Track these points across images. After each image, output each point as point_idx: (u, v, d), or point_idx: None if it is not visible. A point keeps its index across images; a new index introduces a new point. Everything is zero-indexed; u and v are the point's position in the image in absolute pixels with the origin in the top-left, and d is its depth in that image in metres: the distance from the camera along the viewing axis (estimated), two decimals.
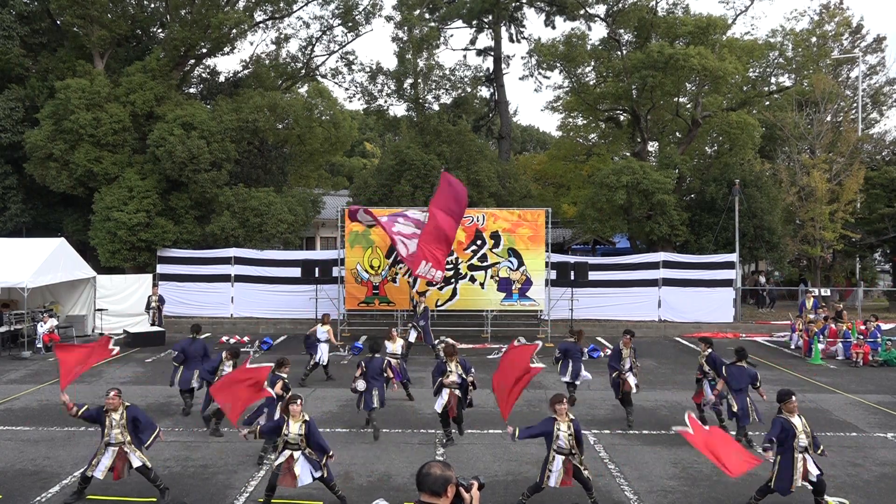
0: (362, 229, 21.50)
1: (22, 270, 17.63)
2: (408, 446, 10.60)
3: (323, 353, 14.82)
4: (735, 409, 10.62)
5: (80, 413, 8.38)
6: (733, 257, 23.50)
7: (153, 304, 19.96)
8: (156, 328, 20.10)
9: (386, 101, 29.97)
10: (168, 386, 12.70)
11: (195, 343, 12.51)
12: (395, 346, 13.53)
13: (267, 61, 30.11)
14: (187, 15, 25.74)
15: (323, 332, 14.90)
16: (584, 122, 33.70)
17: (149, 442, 8.47)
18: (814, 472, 8.06)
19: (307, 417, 8.05)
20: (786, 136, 28.38)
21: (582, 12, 29.96)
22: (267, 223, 23.91)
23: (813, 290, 24.17)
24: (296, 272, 21.85)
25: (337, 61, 35.27)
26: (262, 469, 9.48)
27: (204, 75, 31.25)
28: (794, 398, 8.23)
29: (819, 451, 8.22)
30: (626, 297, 23.27)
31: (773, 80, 30.80)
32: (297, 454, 7.90)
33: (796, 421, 8.13)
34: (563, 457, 8.00)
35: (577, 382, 12.92)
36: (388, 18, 30.65)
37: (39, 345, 18.33)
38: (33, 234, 24.95)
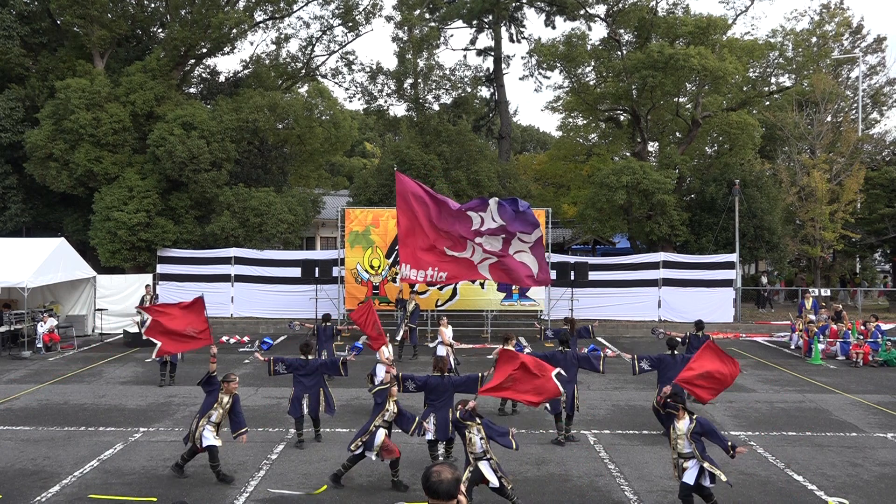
0: (362, 229, 21.53)
1: (22, 270, 17.63)
2: (408, 446, 10.57)
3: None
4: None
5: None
6: (733, 257, 23.50)
7: (146, 305, 19.78)
8: None
9: (386, 101, 29.98)
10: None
11: None
12: (388, 349, 12.65)
13: (267, 61, 30.08)
14: (187, 15, 25.73)
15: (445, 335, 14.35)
16: (584, 122, 33.67)
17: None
18: (689, 478, 7.83)
19: None
20: (786, 136, 28.37)
21: (582, 12, 29.96)
22: (267, 223, 23.90)
23: (812, 291, 24.18)
24: (296, 272, 21.84)
25: (337, 61, 35.28)
26: (262, 469, 9.49)
27: (204, 75, 31.26)
28: (679, 407, 8.11)
29: (731, 454, 7.85)
30: (626, 297, 23.26)
31: (773, 80, 30.79)
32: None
33: (680, 424, 8.02)
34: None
35: None
36: (388, 18, 30.67)
37: (39, 345, 18.32)
38: (33, 234, 24.96)
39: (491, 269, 17.08)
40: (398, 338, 17.49)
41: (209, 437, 8.88)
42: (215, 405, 9.05)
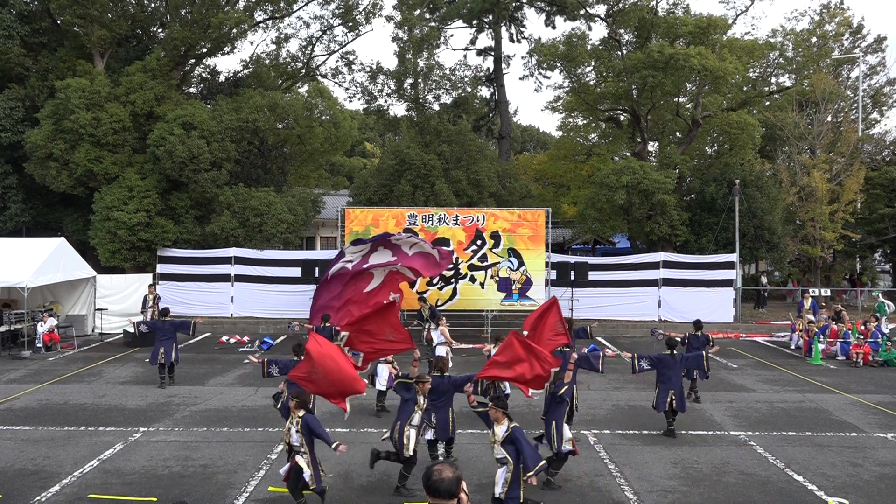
0: (362, 229, 21.50)
1: (22, 270, 17.61)
2: None
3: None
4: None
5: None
6: (733, 257, 23.50)
7: (150, 305, 19.81)
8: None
9: (386, 101, 29.96)
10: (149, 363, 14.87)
11: (165, 323, 14.69)
12: None
13: (267, 61, 30.09)
14: (187, 15, 25.73)
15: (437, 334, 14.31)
16: (584, 122, 33.68)
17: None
18: (497, 489, 7.51)
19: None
20: (786, 136, 28.38)
21: (582, 12, 29.96)
22: (267, 223, 23.90)
23: (812, 291, 24.19)
24: (296, 272, 21.84)
25: (337, 61, 35.29)
26: (262, 469, 9.49)
27: (204, 75, 31.27)
28: (497, 406, 7.60)
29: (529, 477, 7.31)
30: (626, 297, 23.25)
31: (773, 80, 30.81)
32: None
33: (497, 429, 7.55)
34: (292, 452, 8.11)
35: None
36: (388, 18, 30.68)
37: (39, 345, 18.31)
38: (33, 233, 24.95)
39: (390, 276, 19.14)
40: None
41: (412, 443, 8.70)
42: (416, 408, 8.95)
